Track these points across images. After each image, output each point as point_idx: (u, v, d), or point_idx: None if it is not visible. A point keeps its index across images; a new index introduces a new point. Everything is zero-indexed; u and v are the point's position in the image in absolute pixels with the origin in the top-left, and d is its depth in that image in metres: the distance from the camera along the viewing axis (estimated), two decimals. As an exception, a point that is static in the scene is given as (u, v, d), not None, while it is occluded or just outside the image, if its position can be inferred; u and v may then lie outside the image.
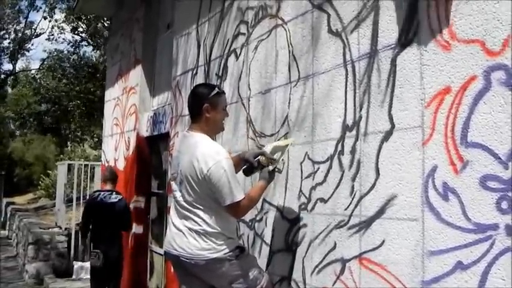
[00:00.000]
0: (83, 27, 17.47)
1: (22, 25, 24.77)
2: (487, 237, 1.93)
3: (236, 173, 2.94)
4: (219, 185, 2.74)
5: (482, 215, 1.96)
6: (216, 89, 2.95)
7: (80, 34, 18.10)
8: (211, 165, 2.73)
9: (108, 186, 6.10)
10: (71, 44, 18.83)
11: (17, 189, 25.68)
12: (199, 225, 2.81)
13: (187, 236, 2.83)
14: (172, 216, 2.99)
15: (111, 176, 6.20)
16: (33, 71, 25.57)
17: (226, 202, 2.75)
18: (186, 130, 3.01)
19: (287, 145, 3.06)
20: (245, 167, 3.08)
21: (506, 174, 1.89)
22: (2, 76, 24.97)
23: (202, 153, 2.78)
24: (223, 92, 3.04)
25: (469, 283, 1.99)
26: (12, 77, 25.04)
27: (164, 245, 3.05)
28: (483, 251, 1.95)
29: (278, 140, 3.23)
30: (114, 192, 5.98)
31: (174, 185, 3.01)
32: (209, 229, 2.80)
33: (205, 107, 2.87)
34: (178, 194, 2.94)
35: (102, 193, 5.99)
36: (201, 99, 2.90)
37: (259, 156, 3.00)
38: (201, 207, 2.82)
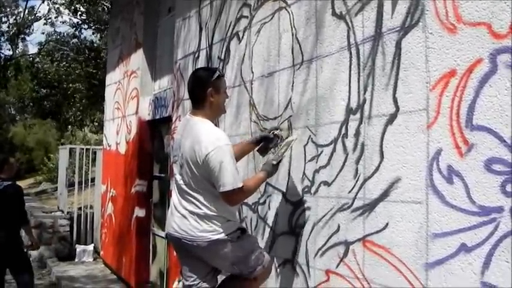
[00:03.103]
0: (82, 10, 17.34)
1: (21, 9, 24.60)
2: (491, 219, 1.94)
3: (245, 154, 3.21)
4: (215, 171, 2.74)
5: (486, 197, 1.97)
6: (217, 72, 2.95)
7: (80, 17, 17.97)
8: (210, 149, 2.73)
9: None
10: (72, 26, 18.71)
11: (18, 174, 25.70)
12: (200, 208, 2.84)
13: (189, 218, 2.86)
14: (174, 198, 3.01)
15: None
16: (31, 56, 25.44)
17: (221, 189, 2.75)
18: (189, 114, 3.00)
19: (292, 140, 3.08)
20: (260, 145, 3.21)
21: (511, 157, 1.89)
22: (2, 62, 24.83)
23: (203, 138, 2.79)
24: (223, 75, 3.06)
25: (473, 265, 2.00)
26: (12, 61, 24.89)
27: (166, 227, 3.07)
28: (487, 234, 1.95)
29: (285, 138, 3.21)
30: (4, 179, 5.51)
31: (175, 168, 3.04)
32: (209, 212, 2.83)
33: (209, 92, 2.88)
34: (179, 177, 2.96)
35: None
36: (204, 85, 2.90)
37: (274, 131, 3.18)
38: (200, 190, 2.85)
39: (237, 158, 3.20)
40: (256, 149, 3.25)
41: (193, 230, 2.84)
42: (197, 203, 2.85)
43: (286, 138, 3.17)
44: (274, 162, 2.97)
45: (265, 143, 3.21)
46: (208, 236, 2.82)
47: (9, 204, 5.38)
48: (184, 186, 2.91)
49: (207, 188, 2.81)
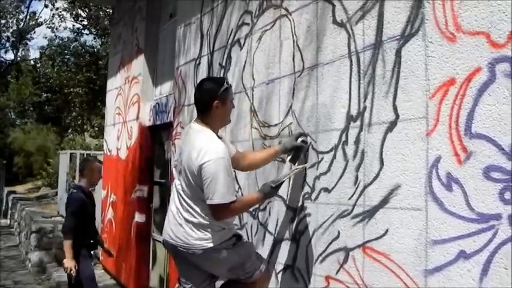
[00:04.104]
0: (83, 15, 17.43)
1: (24, 14, 24.70)
2: (490, 226, 1.96)
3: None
4: (207, 182, 2.73)
5: (485, 205, 1.99)
6: (225, 84, 2.94)
7: (81, 22, 18.06)
8: (206, 160, 2.73)
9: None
10: (73, 31, 18.83)
11: (17, 179, 25.69)
12: (195, 217, 2.85)
13: (184, 226, 2.87)
14: (171, 205, 3.03)
15: (79, 166, 5.47)
16: (33, 61, 25.52)
17: (208, 201, 2.76)
18: (193, 122, 3.02)
19: (300, 168, 3.06)
20: (291, 154, 3.13)
21: (509, 165, 1.91)
22: (4, 65, 24.91)
23: (202, 148, 2.79)
24: (231, 86, 3.03)
25: (471, 272, 2.02)
26: (13, 66, 24.98)
27: (163, 233, 3.08)
28: (486, 241, 1.97)
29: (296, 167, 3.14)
30: (74, 187, 5.31)
31: (175, 173, 3.05)
32: (204, 221, 2.84)
33: (216, 104, 2.87)
34: (177, 183, 2.98)
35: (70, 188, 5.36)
36: (211, 96, 2.88)
37: (300, 138, 3.09)
38: (195, 199, 2.85)
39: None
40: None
41: (188, 237, 2.86)
42: (192, 211, 2.86)
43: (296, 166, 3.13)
44: (273, 185, 2.91)
45: (295, 152, 3.11)
46: (203, 244, 2.84)
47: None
48: (182, 193, 2.93)
49: (202, 197, 2.80)
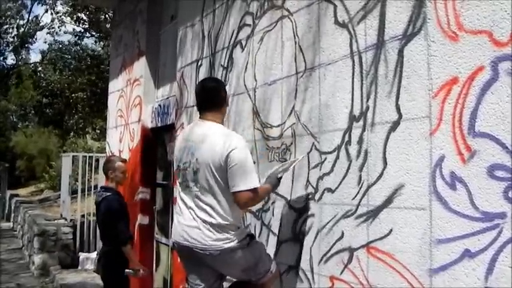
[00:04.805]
0: (85, 18, 17.43)
1: (25, 20, 24.73)
2: (495, 225, 1.96)
3: None
4: (235, 168, 2.78)
5: (489, 203, 1.99)
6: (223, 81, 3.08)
7: (82, 26, 18.07)
8: (233, 147, 2.80)
9: (104, 182, 5.11)
10: (74, 34, 18.84)
11: (19, 182, 25.73)
12: (213, 217, 2.85)
13: (202, 227, 2.86)
14: (182, 206, 3.00)
15: (103, 168, 5.06)
16: (33, 64, 25.54)
17: (236, 188, 2.78)
18: (199, 119, 3.04)
19: (298, 159, 3.11)
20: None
21: (513, 163, 1.91)
22: (5, 70, 24.93)
23: (226, 137, 2.86)
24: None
25: (476, 271, 2.02)
26: (14, 70, 24.99)
27: (174, 236, 3.06)
28: (490, 239, 1.97)
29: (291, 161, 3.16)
30: (105, 189, 4.89)
31: (182, 175, 3.02)
32: (222, 221, 2.85)
33: (227, 97, 3.08)
34: (191, 184, 2.93)
35: (98, 191, 5.07)
36: (221, 91, 3.06)
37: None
38: (217, 197, 2.85)
39: None
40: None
41: (206, 239, 2.85)
42: (211, 211, 2.85)
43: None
44: (279, 175, 3.05)
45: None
46: (220, 244, 2.84)
47: (104, 219, 4.73)
48: (198, 193, 2.90)
49: (224, 192, 2.83)
